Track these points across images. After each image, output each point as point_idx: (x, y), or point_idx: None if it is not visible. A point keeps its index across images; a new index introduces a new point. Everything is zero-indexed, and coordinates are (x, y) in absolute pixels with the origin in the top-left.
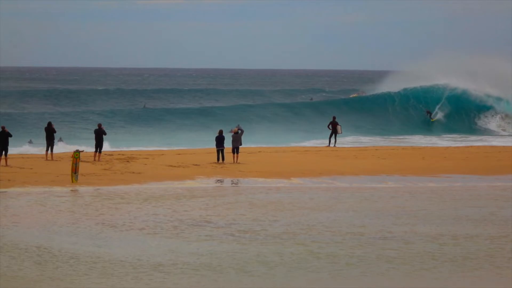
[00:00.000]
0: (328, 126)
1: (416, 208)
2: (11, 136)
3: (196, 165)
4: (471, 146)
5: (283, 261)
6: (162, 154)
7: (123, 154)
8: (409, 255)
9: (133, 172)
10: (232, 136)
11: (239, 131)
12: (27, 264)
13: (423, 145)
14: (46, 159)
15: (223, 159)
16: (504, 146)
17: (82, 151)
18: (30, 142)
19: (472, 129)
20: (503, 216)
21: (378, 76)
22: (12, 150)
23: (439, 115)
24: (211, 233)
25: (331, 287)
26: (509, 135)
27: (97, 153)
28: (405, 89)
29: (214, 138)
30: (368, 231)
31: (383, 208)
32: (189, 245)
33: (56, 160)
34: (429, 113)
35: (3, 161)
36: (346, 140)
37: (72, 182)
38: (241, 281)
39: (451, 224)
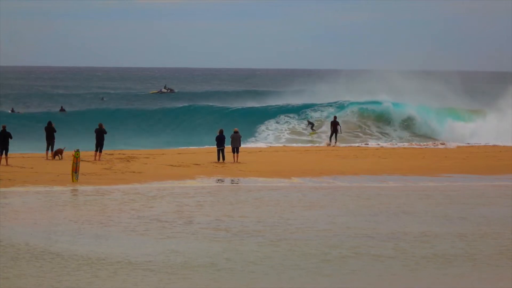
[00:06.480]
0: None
1: (411, 206)
2: (11, 138)
3: (196, 164)
4: (472, 146)
5: (260, 258)
6: (163, 154)
7: (123, 154)
8: (391, 253)
9: (134, 172)
10: (232, 136)
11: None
12: (5, 262)
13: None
14: (47, 159)
15: (223, 158)
16: (504, 146)
17: (64, 148)
18: (12, 111)
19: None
20: (493, 214)
21: (378, 76)
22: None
23: (319, 130)
24: (193, 231)
25: (309, 286)
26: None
27: (98, 153)
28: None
29: (214, 138)
30: (351, 228)
31: (373, 206)
32: (168, 243)
33: (57, 160)
34: (311, 124)
35: (3, 161)
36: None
37: (73, 181)
38: (214, 278)
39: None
